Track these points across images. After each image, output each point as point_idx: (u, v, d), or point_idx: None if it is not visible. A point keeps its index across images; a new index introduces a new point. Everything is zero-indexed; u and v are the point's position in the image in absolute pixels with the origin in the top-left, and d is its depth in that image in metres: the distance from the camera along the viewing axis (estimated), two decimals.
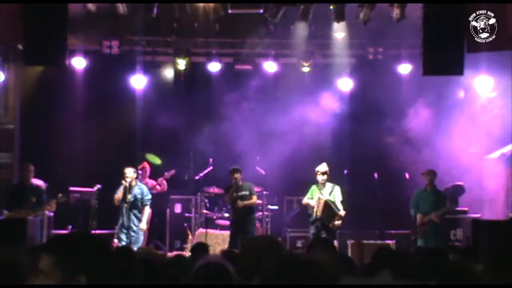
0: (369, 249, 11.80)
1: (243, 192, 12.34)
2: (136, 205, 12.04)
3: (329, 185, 12.16)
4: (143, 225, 12.10)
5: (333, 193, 12.09)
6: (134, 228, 11.99)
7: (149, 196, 12.23)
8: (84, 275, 2.43)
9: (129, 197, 11.96)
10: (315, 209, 11.98)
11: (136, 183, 12.19)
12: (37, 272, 2.49)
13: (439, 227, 12.08)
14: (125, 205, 11.94)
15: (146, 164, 13.51)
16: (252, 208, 12.46)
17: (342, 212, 12.00)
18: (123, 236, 11.96)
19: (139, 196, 12.07)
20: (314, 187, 12.25)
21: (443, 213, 12.12)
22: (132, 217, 11.99)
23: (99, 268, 2.46)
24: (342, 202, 12.15)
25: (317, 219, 11.99)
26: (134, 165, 12.71)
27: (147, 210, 12.20)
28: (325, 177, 12.10)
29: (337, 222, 11.98)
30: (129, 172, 12.02)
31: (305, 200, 12.37)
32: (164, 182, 14.08)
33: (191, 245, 11.44)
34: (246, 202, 12.31)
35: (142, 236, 12.19)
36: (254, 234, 12.16)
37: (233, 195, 12.30)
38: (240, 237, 11.68)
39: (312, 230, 12.08)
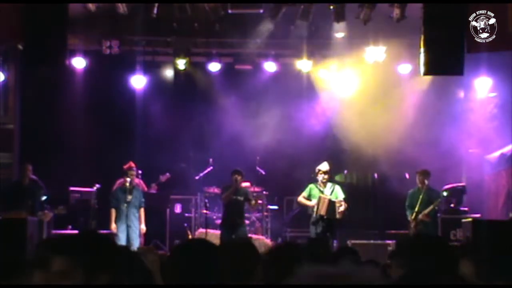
0: (368, 249, 11.88)
1: (239, 197, 12.31)
2: (135, 206, 12.30)
3: (329, 184, 12.10)
4: (144, 226, 12.36)
5: (335, 192, 12.01)
6: (133, 228, 12.19)
7: (143, 198, 12.57)
8: (105, 274, 2.42)
9: (130, 197, 12.18)
10: (316, 208, 11.80)
11: (135, 184, 12.39)
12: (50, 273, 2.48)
13: (430, 224, 12.19)
14: (125, 205, 12.17)
15: (132, 164, 13.40)
16: (244, 210, 12.45)
17: (339, 199, 11.87)
18: (123, 236, 12.10)
19: (138, 197, 12.33)
20: (312, 186, 12.12)
21: (430, 211, 12.19)
22: (132, 217, 12.21)
23: (118, 267, 2.45)
24: (345, 199, 12.07)
25: (321, 218, 11.78)
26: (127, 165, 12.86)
27: (143, 211, 12.46)
28: (326, 176, 11.99)
29: (341, 209, 11.72)
30: (132, 173, 12.35)
31: (301, 199, 12.23)
32: (155, 188, 13.91)
33: None
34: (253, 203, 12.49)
35: (139, 236, 12.35)
36: (247, 235, 12.17)
37: (232, 196, 12.28)
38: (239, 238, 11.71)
39: (314, 230, 11.85)
